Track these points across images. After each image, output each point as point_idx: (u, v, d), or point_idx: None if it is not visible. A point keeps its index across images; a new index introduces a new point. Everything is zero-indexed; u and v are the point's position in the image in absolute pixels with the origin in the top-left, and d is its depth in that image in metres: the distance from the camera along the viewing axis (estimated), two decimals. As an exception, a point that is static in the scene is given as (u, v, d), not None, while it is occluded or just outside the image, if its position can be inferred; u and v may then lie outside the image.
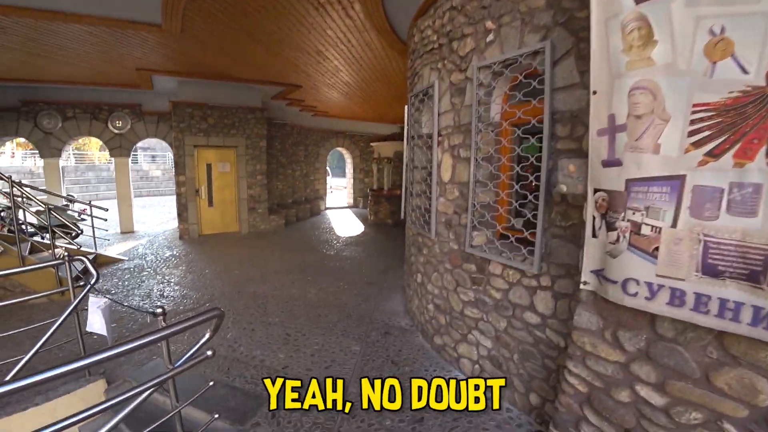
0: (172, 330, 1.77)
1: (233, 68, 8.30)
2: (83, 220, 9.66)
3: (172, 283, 6.11)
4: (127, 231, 10.65)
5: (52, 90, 9.63)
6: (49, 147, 9.95)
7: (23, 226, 7.38)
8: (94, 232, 7.81)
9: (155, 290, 5.77)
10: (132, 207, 10.79)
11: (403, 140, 11.56)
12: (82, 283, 3.17)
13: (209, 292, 5.65)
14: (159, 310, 1.96)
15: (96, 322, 2.69)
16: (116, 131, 10.34)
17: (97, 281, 3.06)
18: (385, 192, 11.55)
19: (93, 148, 27.49)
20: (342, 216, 13.96)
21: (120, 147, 10.45)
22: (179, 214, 9.50)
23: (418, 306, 4.23)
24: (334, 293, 5.58)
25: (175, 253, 8.12)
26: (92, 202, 8.11)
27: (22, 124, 9.65)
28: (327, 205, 15.96)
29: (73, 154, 23.84)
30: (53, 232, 6.74)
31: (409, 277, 4.73)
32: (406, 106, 4.94)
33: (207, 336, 2.07)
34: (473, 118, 3.06)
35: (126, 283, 6.17)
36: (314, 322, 4.57)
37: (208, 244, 8.95)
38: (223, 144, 9.69)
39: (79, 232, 9.43)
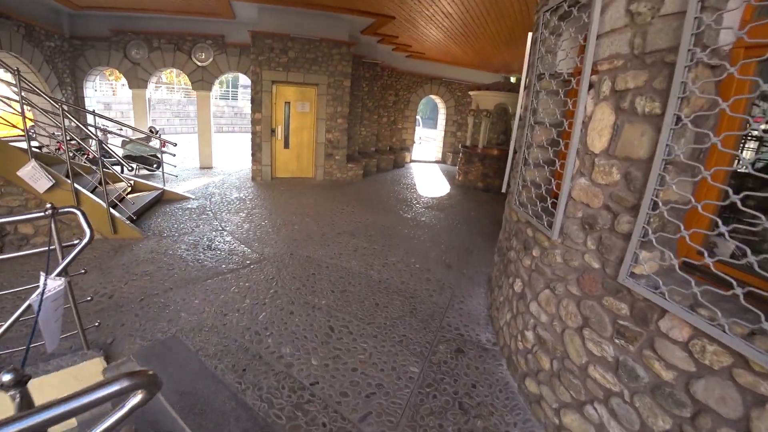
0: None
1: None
2: (164, 152, 9.54)
3: (225, 232, 5.47)
4: (205, 167, 10.46)
5: (140, 19, 9.33)
6: (136, 78, 9.81)
7: (102, 157, 7.26)
8: (163, 167, 7.49)
9: (204, 239, 5.14)
10: (211, 143, 10.51)
11: (507, 91, 9.76)
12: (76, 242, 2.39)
13: (259, 250, 4.88)
14: (7, 377, 0.99)
15: (43, 313, 1.88)
16: (199, 63, 9.88)
17: (89, 242, 2.27)
18: (479, 150, 10.01)
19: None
20: (428, 172, 12.69)
21: (202, 80, 10.01)
22: (253, 155, 8.92)
23: (510, 324, 2.98)
24: (402, 274, 4.50)
25: (242, 195, 7.57)
26: (162, 137, 7.72)
27: (113, 54, 9.54)
28: (413, 158, 14.73)
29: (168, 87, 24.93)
30: (122, 164, 6.43)
31: (502, 276, 3.46)
32: (530, 33, 3.47)
33: (116, 416, 1.07)
34: (685, 38, 1.52)
35: (181, 225, 5.66)
36: (369, 314, 3.54)
37: (278, 188, 8.31)
38: (303, 81, 8.76)
39: (158, 164, 9.36)
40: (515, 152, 3.68)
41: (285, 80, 8.68)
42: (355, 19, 8.57)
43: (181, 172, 9.56)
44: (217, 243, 5.04)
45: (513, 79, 13.31)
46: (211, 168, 10.42)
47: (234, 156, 12.90)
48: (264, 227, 5.79)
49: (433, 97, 14.96)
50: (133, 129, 8.19)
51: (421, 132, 25.10)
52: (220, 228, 5.65)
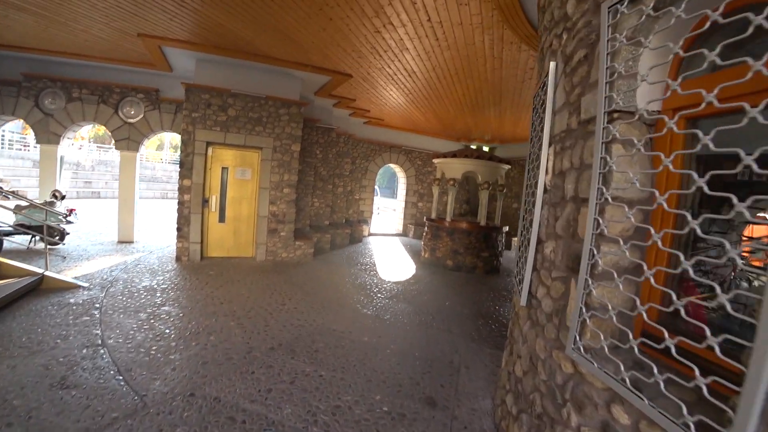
0: None
1: (264, 42, 6.06)
2: (69, 222, 7.70)
3: (103, 349, 3.70)
4: (125, 241, 8.63)
5: (59, 65, 7.89)
6: (47, 131, 8.14)
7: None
8: (45, 243, 5.68)
9: (62, 365, 3.35)
10: (134, 212, 8.77)
11: (476, 158, 8.88)
12: None
13: (143, 386, 3.15)
14: None
15: None
16: (126, 119, 8.42)
17: None
18: (447, 223, 8.89)
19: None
20: (388, 247, 11.36)
21: (128, 139, 8.50)
22: (179, 229, 7.26)
23: None
24: (363, 428, 2.92)
25: (154, 283, 5.81)
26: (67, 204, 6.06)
27: (22, 101, 7.94)
28: (372, 231, 13.46)
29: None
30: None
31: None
32: (552, 64, 2.34)
33: None
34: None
35: (42, 334, 3.83)
36: None
37: (205, 273, 6.61)
38: (244, 144, 7.44)
39: (62, 234, 7.49)
40: (540, 242, 2.40)
41: (223, 142, 7.33)
42: (307, 77, 7.54)
43: (91, 247, 7.70)
44: (79, 373, 3.27)
45: (474, 147, 12.73)
46: (132, 243, 8.58)
47: (167, 228, 11.07)
48: (166, 339, 4.07)
49: (392, 166, 14.08)
50: (14, 195, 6.39)
51: (379, 202, 24.20)
52: (99, 341, 3.87)
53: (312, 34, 5.59)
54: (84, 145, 25.77)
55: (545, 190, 2.53)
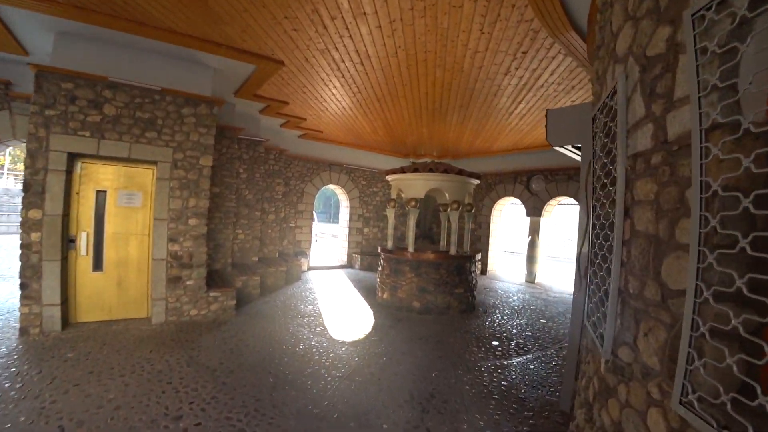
0: None
1: (159, 4, 4.02)
2: None
3: None
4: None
5: None
6: None
7: None
8: None
9: None
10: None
11: (443, 172, 7.12)
12: None
13: None
14: None
15: None
16: (-49, 126, 5.79)
17: None
18: (409, 255, 7.12)
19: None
20: (334, 284, 9.33)
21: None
22: (24, 286, 4.76)
23: None
24: None
25: (-51, 393, 3.36)
26: None
27: None
28: (311, 264, 11.33)
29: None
30: None
31: None
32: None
33: None
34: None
35: None
36: None
37: (59, 358, 4.19)
38: (129, 156, 5.18)
39: None
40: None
41: (95, 153, 5.03)
42: (223, 65, 5.51)
43: None
44: None
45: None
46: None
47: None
48: None
49: (332, 187, 12.17)
50: None
51: (317, 227, 22.06)
52: None
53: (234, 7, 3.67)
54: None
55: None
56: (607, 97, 2.18)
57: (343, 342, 5.24)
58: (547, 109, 3.95)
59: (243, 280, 7.07)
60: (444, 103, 6.91)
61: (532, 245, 11.33)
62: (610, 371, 1.94)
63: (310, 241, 11.30)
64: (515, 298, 9.01)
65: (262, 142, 8.47)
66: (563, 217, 19.34)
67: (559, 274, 13.65)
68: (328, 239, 21.92)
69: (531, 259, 11.39)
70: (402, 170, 7.30)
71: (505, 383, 4.28)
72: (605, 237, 2.14)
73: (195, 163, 5.51)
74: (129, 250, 5.43)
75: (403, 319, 6.57)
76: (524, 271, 11.62)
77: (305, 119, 8.43)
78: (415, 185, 7.29)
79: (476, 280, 7.79)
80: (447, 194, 7.26)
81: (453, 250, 7.28)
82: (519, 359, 5.04)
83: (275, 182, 9.48)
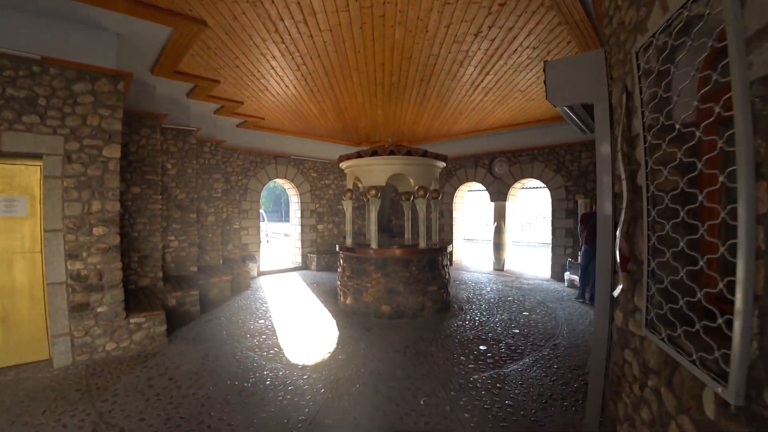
0: None
1: None
2: None
3: None
4: None
5: None
6: None
7: None
8: None
9: None
10: None
11: (406, 154, 5.94)
12: None
13: None
14: None
15: None
16: None
17: None
18: (373, 252, 6.22)
19: None
20: (289, 290, 8.26)
21: None
22: None
23: None
24: None
25: None
26: None
27: None
28: (262, 269, 10.16)
29: None
30: None
31: None
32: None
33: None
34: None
35: None
36: None
37: None
38: (0, 149, 3.89)
39: None
40: None
41: (-52, 149, 3.70)
42: (129, 28, 4.30)
43: None
44: None
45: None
46: None
47: None
48: None
49: (280, 182, 11.02)
50: None
51: (267, 228, 20.66)
52: None
53: None
54: None
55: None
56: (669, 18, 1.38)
57: (304, 367, 4.25)
58: (545, 61, 3.15)
59: (178, 297, 5.88)
60: (402, 77, 6.02)
61: (499, 231, 10.78)
62: (733, 420, 1.15)
63: (258, 244, 10.10)
64: (488, 289, 8.37)
65: (192, 132, 7.23)
66: (522, 200, 19.17)
67: (527, 260, 13.29)
68: (281, 239, 20.65)
69: (498, 246, 10.84)
70: (359, 155, 6.35)
71: (509, 402, 3.49)
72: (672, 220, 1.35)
73: (97, 155, 4.27)
74: (15, 275, 4.14)
75: (372, 327, 5.67)
76: (491, 258, 11.07)
77: (242, 102, 7.26)
78: (375, 171, 6.37)
79: (449, 275, 7.03)
80: (411, 180, 6.41)
81: (422, 243, 6.46)
82: (515, 366, 4.30)
83: (213, 179, 8.24)
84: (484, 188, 11.14)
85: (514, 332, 5.46)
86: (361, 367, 4.22)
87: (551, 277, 9.72)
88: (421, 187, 6.36)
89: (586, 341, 5.10)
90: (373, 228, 6.49)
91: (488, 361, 4.44)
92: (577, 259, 9.13)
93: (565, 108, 3.25)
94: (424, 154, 6.28)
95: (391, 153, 6.09)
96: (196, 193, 7.63)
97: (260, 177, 10.07)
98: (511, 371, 4.16)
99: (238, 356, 4.50)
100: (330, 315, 6.28)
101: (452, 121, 8.90)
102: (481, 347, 4.87)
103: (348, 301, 6.47)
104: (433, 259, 6.44)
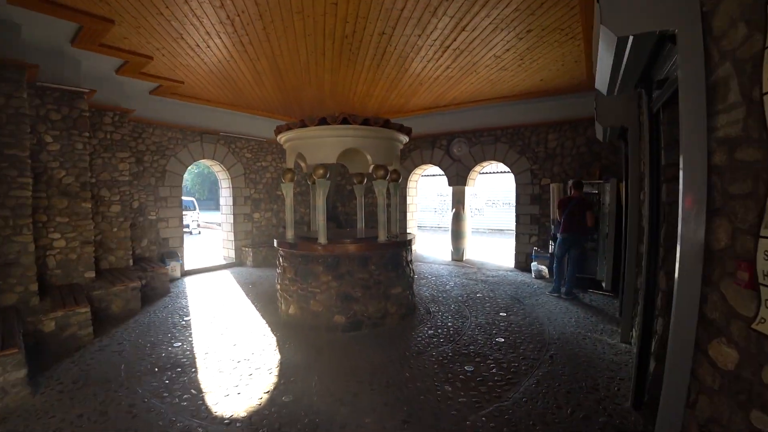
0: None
1: None
2: None
3: None
4: None
5: None
6: None
7: None
8: None
9: None
10: None
11: (363, 123, 4.58)
12: None
13: None
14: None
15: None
16: None
17: None
18: (321, 248, 4.99)
19: None
20: (217, 296, 6.82)
21: None
22: None
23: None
24: None
25: None
26: None
27: None
28: (187, 267, 8.54)
29: None
30: None
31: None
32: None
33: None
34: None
35: None
36: None
37: None
38: None
39: None
40: None
41: None
42: None
43: None
44: None
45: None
46: None
47: None
48: None
49: (207, 163, 9.39)
50: None
51: (195, 215, 18.59)
52: None
53: None
54: None
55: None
56: None
57: (232, 422, 2.98)
58: None
59: (59, 318, 4.32)
60: (359, 27, 4.76)
61: (458, 218, 9.88)
62: None
63: (182, 238, 8.46)
64: (452, 284, 7.44)
65: (83, 95, 5.54)
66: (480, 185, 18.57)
67: (486, 249, 12.56)
68: (217, 231, 18.73)
69: (457, 234, 9.96)
70: (303, 123, 5.00)
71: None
72: None
73: None
74: None
75: (324, 346, 4.45)
76: (449, 248, 10.18)
77: (151, 58, 5.63)
78: (324, 145, 5.08)
79: (414, 273, 5.97)
80: (369, 156, 5.20)
81: (382, 236, 5.30)
82: (516, 395, 3.31)
83: (117, 158, 6.55)
84: (442, 172, 10.19)
85: (498, 342, 4.52)
86: (314, 416, 3.02)
87: (515, 267, 9.00)
88: (381, 166, 5.19)
89: (583, 349, 4.28)
90: (321, 218, 5.21)
91: (480, 389, 3.42)
92: (543, 248, 8.45)
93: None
94: (386, 124, 5.09)
95: (345, 122, 4.83)
96: (94, 176, 5.98)
97: (182, 157, 8.39)
98: (514, 404, 3.16)
99: (137, 409, 3.12)
100: (269, 330, 4.97)
101: (410, 93, 7.76)
102: (467, 368, 3.84)
103: (291, 311, 5.19)
104: (396, 255, 5.33)
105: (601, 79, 2.75)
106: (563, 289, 6.51)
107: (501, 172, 17.46)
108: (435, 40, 5.18)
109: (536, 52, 5.67)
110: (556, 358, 4.08)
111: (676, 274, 1.91)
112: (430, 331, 4.87)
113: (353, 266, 4.98)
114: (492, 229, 18.76)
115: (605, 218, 6.90)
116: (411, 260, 5.79)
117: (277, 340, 4.57)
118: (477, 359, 4.04)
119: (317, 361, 4.03)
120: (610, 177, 6.80)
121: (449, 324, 5.15)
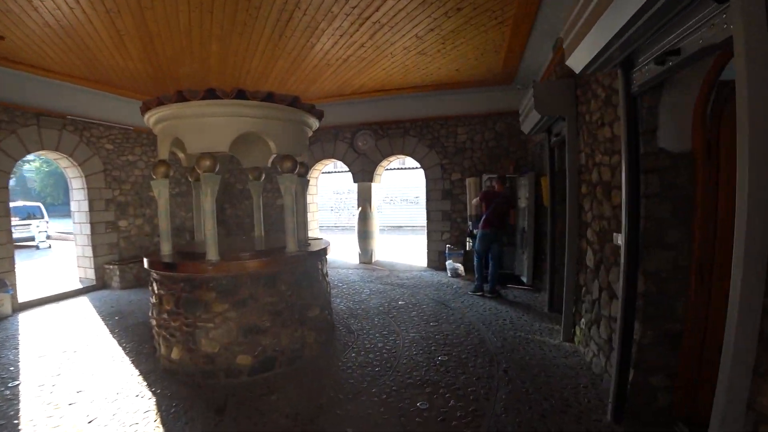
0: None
1: None
2: None
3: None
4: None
5: None
6: None
7: None
8: None
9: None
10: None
11: (264, 99, 3.53)
12: None
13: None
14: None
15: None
16: None
17: None
18: (212, 268, 3.78)
19: None
20: (67, 338, 5.09)
21: None
22: None
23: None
24: None
25: None
26: None
27: None
28: (23, 299, 6.40)
29: None
30: None
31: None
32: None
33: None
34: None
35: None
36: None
37: None
38: None
39: None
40: None
41: None
42: None
43: None
44: None
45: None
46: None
47: None
48: None
49: (49, 156, 7.29)
50: None
51: (47, 227, 15.18)
52: None
53: None
54: None
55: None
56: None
57: None
58: None
59: None
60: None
61: (365, 217, 9.15)
62: None
63: (11, 258, 6.31)
64: (367, 291, 6.68)
65: None
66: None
67: (394, 249, 11.94)
68: (67, 241, 15.50)
69: (365, 234, 9.23)
70: (182, 97, 3.71)
71: None
72: None
73: None
74: None
75: (225, 404, 3.25)
76: (357, 250, 9.41)
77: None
78: (212, 128, 3.84)
79: (330, 287, 5.05)
80: (272, 144, 4.10)
81: (292, 246, 4.27)
82: (491, 429, 2.65)
83: None
84: (339, 168, 9.36)
85: (442, 361, 3.87)
86: None
87: (428, 266, 8.58)
88: (288, 156, 4.15)
89: (533, 357, 3.92)
90: (209, 226, 3.95)
91: (444, 436, 2.68)
92: (456, 245, 8.13)
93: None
94: (294, 102, 4.05)
95: (240, 96, 3.68)
96: None
97: (9, 148, 6.24)
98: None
99: None
100: (144, 385, 3.59)
101: (313, 77, 6.76)
102: (419, 404, 3.07)
103: (174, 355, 3.85)
104: (311, 268, 4.35)
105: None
106: (486, 287, 6.17)
107: (400, 168, 17.32)
108: (354, 8, 4.29)
109: (460, 36, 5.15)
110: (510, 372, 3.57)
111: (738, 282, 1.49)
112: (360, 358, 4.01)
113: (257, 288, 3.86)
114: (391, 227, 18.50)
115: (523, 213, 6.72)
116: (326, 272, 4.86)
117: (157, 404, 3.25)
118: (428, 389, 3.30)
119: (219, 428, 2.90)
120: (527, 171, 6.63)
121: (379, 345, 4.34)
